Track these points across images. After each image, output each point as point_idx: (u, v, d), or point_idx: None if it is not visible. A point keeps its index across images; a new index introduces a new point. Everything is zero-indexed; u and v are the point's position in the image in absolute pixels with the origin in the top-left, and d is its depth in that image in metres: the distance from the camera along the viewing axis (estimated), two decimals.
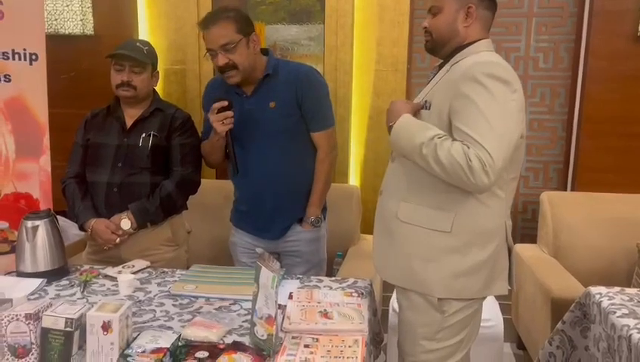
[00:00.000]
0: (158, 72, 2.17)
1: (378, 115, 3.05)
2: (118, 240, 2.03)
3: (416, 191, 1.60)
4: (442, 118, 1.53)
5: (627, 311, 1.65)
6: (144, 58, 2.06)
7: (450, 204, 1.55)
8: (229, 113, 1.90)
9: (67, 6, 3.06)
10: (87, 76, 3.11)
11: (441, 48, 1.65)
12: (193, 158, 2.13)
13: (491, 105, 1.44)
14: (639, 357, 1.46)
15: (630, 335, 1.53)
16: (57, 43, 2.95)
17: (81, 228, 2.11)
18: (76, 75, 3.12)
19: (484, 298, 1.68)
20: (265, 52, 2.04)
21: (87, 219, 2.06)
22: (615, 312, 1.65)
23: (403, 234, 1.63)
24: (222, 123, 1.90)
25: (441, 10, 1.61)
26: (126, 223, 2.02)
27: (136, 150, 2.06)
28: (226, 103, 1.90)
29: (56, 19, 3.06)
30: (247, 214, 2.13)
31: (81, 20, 3.08)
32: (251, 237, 2.13)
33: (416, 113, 1.61)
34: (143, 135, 2.07)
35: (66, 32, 3.09)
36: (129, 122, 2.11)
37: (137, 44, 2.11)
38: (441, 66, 1.68)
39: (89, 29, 3.12)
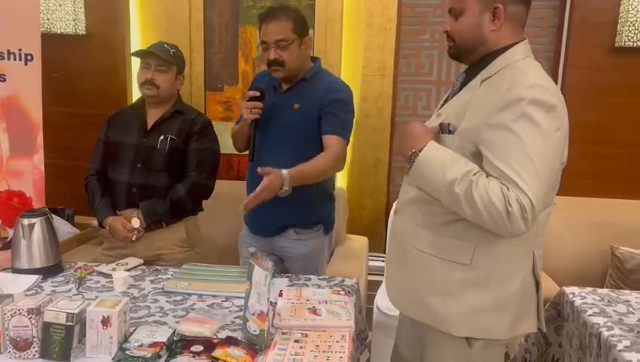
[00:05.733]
0: (183, 75, 2.23)
1: (365, 118, 3.13)
2: (134, 237, 2.11)
3: (432, 217, 1.44)
4: (467, 144, 1.35)
5: (598, 310, 1.75)
6: (170, 58, 2.13)
7: (469, 233, 1.37)
8: (259, 103, 1.97)
9: (60, 5, 3.08)
10: (78, 75, 3.15)
11: (467, 56, 1.44)
12: (209, 164, 2.20)
13: (535, 140, 1.25)
14: (608, 353, 1.56)
15: (600, 333, 1.62)
16: (49, 42, 2.98)
17: (100, 224, 2.18)
18: (67, 74, 3.14)
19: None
20: (314, 60, 2.11)
21: (106, 216, 2.14)
22: (587, 311, 1.75)
23: (419, 263, 1.47)
24: (250, 111, 1.96)
25: (462, 12, 1.38)
26: (136, 222, 2.10)
27: (154, 152, 2.13)
28: (258, 94, 1.97)
29: (48, 19, 3.09)
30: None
31: (74, 20, 3.11)
32: (249, 233, 2.18)
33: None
34: (161, 137, 2.13)
35: (58, 32, 3.11)
36: (150, 122, 2.17)
37: (165, 45, 2.17)
38: (467, 75, 1.48)
39: (81, 29, 3.14)
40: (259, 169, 1.83)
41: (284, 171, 1.84)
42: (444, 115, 1.45)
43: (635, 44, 2.78)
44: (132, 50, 2.77)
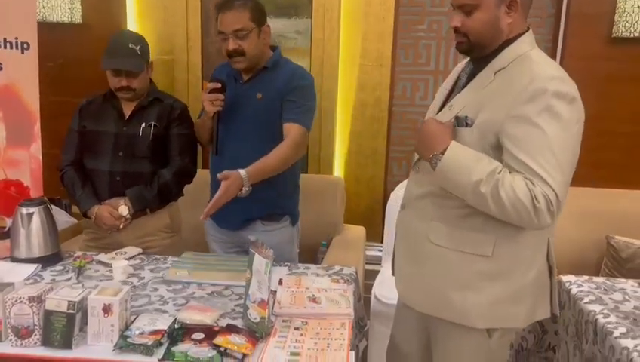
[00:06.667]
0: (152, 62, 2.19)
1: (362, 108, 3.14)
2: (121, 225, 2.08)
3: (448, 210, 1.43)
4: (487, 136, 1.34)
5: (594, 298, 1.77)
6: (140, 65, 2.07)
7: (490, 225, 1.37)
8: (220, 96, 1.96)
9: None
10: (74, 64, 3.13)
11: (480, 51, 1.42)
12: (190, 148, 2.19)
13: (559, 133, 1.27)
14: (604, 340, 1.58)
15: (596, 320, 1.64)
16: (45, 30, 2.95)
17: (84, 214, 2.15)
18: (64, 63, 3.13)
19: None
20: (273, 48, 2.09)
21: (91, 206, 2.10)
22: (583, 299, 1.77)
23: (435, 258, 1.46)
24: (211, 103, 1.96)
25: (477, 8, 1.35)
26: (124, 209, 2.07)
27: (136, 139, 2.10)
28: (219, 86, 1.96)
29: (44, 7, 3.07)
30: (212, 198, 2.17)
31: (69, 8, 3.09)
32: (214, 225, 2.17)
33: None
34: (143, 125, 2.11)
35: (54, 20, 3.10)
36: (127, 111, 2.14)
37: (130, 45, 2.06)
38: (475, 65, 1.46)
39: (77, 18, 3.13)
40: (218, 175, 1.81)
41: (242, 172, 1.81)
42: (458, 107, 1.43)
43: (632, 35, 2.79)
44: None
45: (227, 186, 1.79)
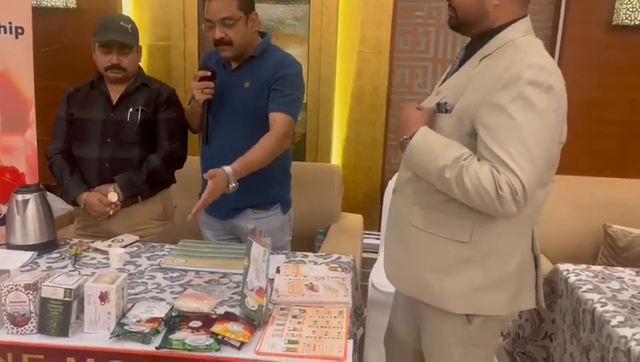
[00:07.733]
0: (141, 46, 2.17)
1: (360, 96, 3.12)
2: (111, 212, 2.06)
3: (429, 195, 1.43)
4: (464, 123, 1.34)
5: (591, 287, 1.77)
6: (131, 40, 2.06)
7: (468, 211, 1.36)
8: (210, 84, 1.94)
9: None
10: (69, 50, 3.09)
11: (466, 29, 1.42)
12: (179, 133, 2.16)
13: (531, 121, 1.24)
14: (601, 328, 1.58)
15: (594, 309, 1.64)
16: (39, 15, 2.92)
17: (73, 202, 2.13)
18: (58, 49, 3.09)
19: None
20: (262, 34, 2.06)
21: (79, 193, 2.08)
22: (581, 287, 1.77)
23: (417, 242, 1.47)
24: (201, 91, 1.94)
25: None
26: (113, 196, 2.05)
27: (124, 125, 2.08)
28: (209, 74, 1.94)
29: None
30: (204, 189, 2.16)
31: None
32: (207, 215, 2.15)
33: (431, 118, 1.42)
34: (131, 110, 2.08)
35: (49, 5, 3.06)
36: (114, 97, 2.11)
37: (121, 23, 2.07)
38: (468, 51, 1.46)
39: (72, 2, 3.10)
40: (204, 175, 1.78)
41: (228, 169, 1.77)
42: (443, 93, 1.44)
43: (632, 22, 2.77)
44: None
45: (214, 185, 1.75)
